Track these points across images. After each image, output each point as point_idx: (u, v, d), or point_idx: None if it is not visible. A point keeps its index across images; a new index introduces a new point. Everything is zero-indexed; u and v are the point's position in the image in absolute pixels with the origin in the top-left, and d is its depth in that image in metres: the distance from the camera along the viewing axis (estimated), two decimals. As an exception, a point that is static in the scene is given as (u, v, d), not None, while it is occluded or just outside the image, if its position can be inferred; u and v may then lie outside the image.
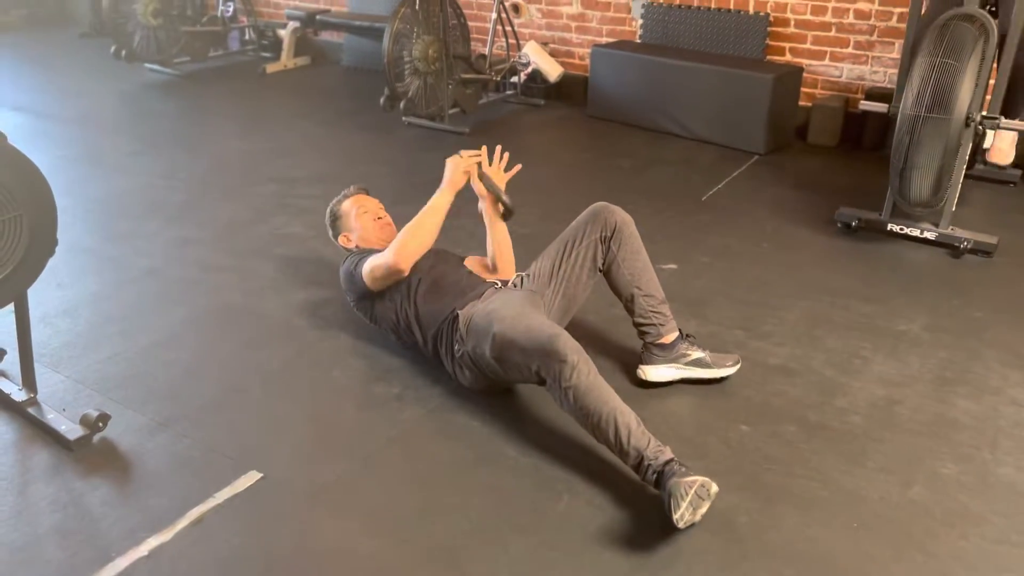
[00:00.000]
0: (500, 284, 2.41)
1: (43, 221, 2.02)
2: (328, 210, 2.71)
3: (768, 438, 2.15)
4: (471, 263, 2.64)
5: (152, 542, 1.81)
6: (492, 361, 2.14)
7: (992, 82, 3.14)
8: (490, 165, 2.58)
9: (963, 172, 3.19)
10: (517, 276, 2.45)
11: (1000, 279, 3.00)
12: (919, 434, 2.17)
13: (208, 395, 2.32)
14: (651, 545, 1.80)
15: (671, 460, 1.85)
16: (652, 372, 2.37)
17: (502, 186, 2.57)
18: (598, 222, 2.36)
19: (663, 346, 2.36)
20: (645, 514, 1.88)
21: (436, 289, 2.37)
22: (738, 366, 2.40)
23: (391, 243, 2.41)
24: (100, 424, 2.12)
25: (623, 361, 2.50)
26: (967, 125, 2.98)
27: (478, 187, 2.56)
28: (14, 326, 2.19)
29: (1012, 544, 1.81)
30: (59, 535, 1.83)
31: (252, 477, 2.00)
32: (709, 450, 2.10)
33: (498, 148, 2.62)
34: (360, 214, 2.63)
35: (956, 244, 3.15)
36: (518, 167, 2.64)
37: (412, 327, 2.38)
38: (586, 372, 1.95)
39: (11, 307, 2.14)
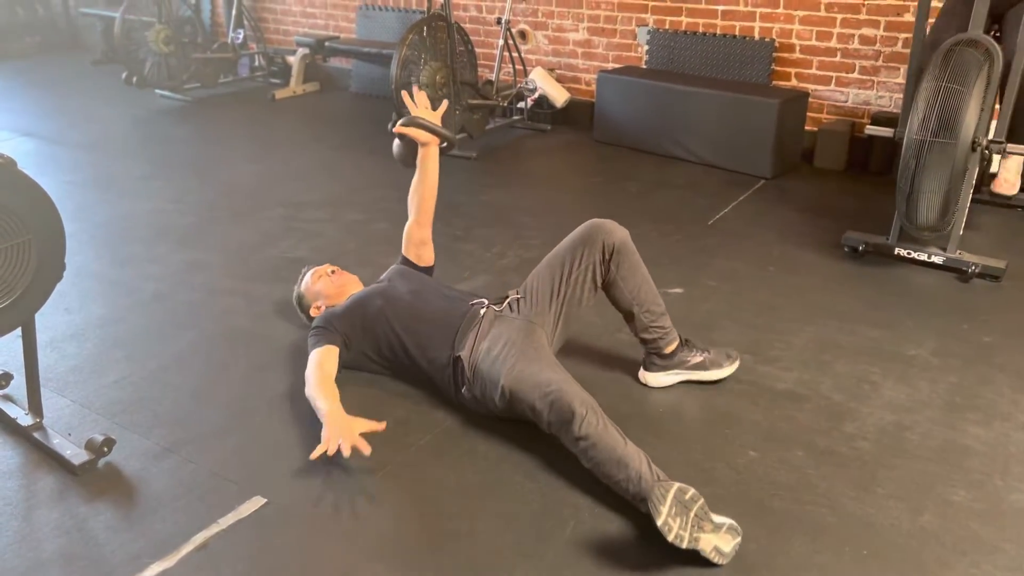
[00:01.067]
0: (486, 303, 2.37)
1: (51, 246, 2.03)
2: (294, 299, 2.72)
3: (776, 464, 2.13)
4: (412, 249, 2.69)
5: (156, 568, 1.80)
6: (502, 407, 2.16)
7: (998, 107, 3.15)
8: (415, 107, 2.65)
9: (970, 196, 3.18)
10: (513, 298, 2.40)
11: (1009, 303, 2.98)
12: (929, 460, 2.15)
13: (214, 420, 2.32)
14: (658, 572, 1.78)
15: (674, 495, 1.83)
16: (652, 379, 2.45)
17: (437, 121, 2.63)
18: (596, 242, 2.34)
19: (665, 355, 2.42)
20: (652, 542, 1.85)
21: (420, 322, 2.35)
22: (737, 363, 2.49)
23: (313, 361, 2.32)
24: (105, 449, 2.12)
25: (625, 369, 2.54)
26: (973, 149, 2.98)
27: (416, 134, 2.60)
28: (21, 351, 2.20)
29: (1025, 573, 1.79)
30: (63, 560, 1.82)
31: (256, 503, 1.99)
32: (717, 476, 2.08)
33: (414, 88, 2.69)
34: (316, 280, 2.65)
35: (964, 268, 3.14)
36: (445, 103, 2.72)
37: (405, 365, 2.39)
38: (595, 423, 1.94)
39: (18, 332, 2.15)
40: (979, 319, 2.86)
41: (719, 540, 1.75)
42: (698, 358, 2.44)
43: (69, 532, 1.90)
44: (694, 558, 1.78)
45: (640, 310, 2.37)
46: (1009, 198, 3.75)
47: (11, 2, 7.71)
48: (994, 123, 3.15)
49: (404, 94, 2.67)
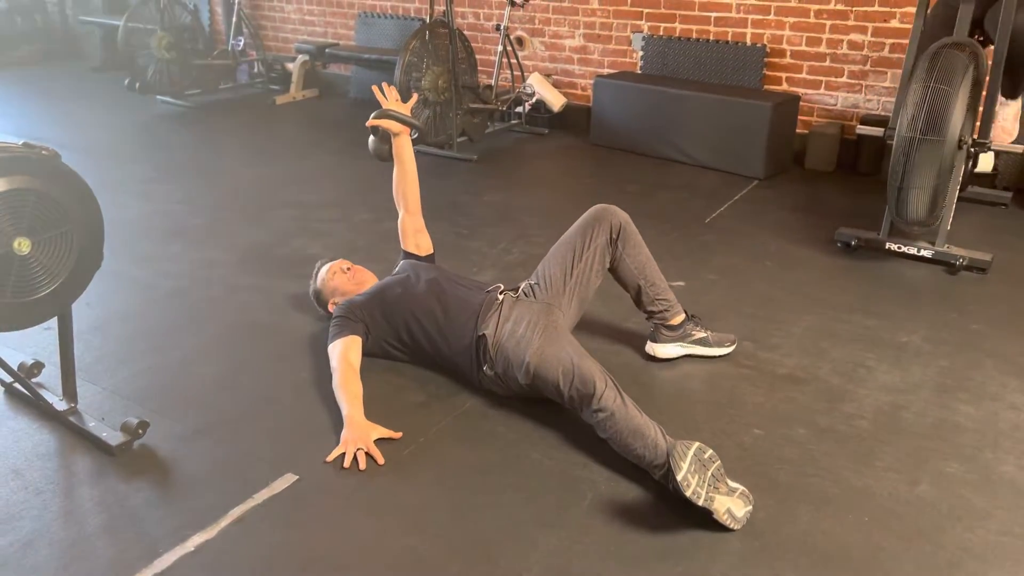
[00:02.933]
0: (502, 287, 2.49)
1: (91, 236, 2.13)
2: (311, 294, 2.83)
3: (780, 441, 2.25)
4: (410, 240, 2.80)
5: (197, 539, 1.89)
6: (524, 385, 2.27)
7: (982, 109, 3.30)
8: (386, 99, 2.78)
9: (957, 192, 3.33)
10: (527, 284, 2.52)
11: (995, 294, 3.12)
12: (924, 437, 2.27)
13: (241, 405, 2.41)
14: (674, 539, 1.89)
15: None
16: (660, 350, 2.62)
17: (407, 112, 2.77)
18: (603, 226, 2.51)
19: (672, 327, 2.60)
20: (667, 511, 1.97)
21: (440, 307, 2.44)
22: (734, 346, 2.67)
23: (337, 353, 2.42)
24: (140, 431, 2.21)
25: (633, 356, 2.68)
26: (960, 147, 3.13)
27: (389, 125, 2.75)
28: (48, 341, 2.28)
29: (1015, 536, 1.91)
30: (107, 533, 1.91)
31: (288, 479, 2.09)
32: (725, 453, 2.19)
33: (384, 85, 2.82)
34: (332, 276, 2.75)
35: (952, 261, 3.28)
36: (415, 96, 2.89)
37: (424, 349, 2.48)
38: (613, 397, 2.07)
39: (47, 323, 2.22)
40: (967, 308, 3.00)
41: (732, 503, 1.87)
42: (701, 333, 2.62)
43: (111, 508, 1.99)
44: (707, 525, 1.90)
45: (646, 284, 2.55)
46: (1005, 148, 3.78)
47: (10, 11, 7.78)
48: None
49: (375, 88, 2.81)
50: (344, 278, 2.74)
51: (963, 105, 3.07)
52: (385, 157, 2.83)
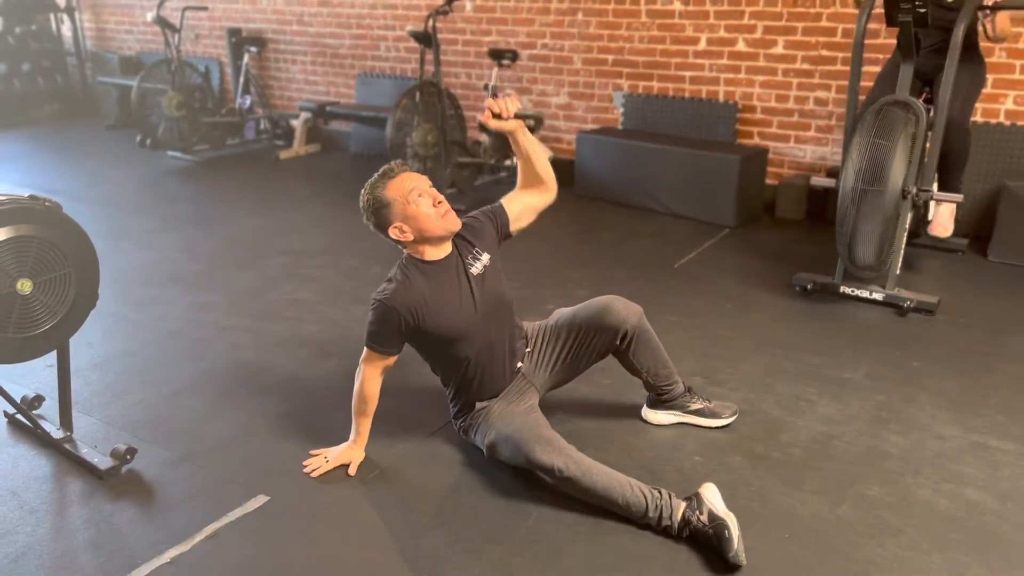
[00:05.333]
0: (519, 366, 2.50)
1: (87, 278, 2.37)
2: (367, 197, 2.26)
3: (717, 467, 2.43)
4: (528, 216, 2.49)
5: (172, 552, 2.08)
6: (487, 456, 2.40)
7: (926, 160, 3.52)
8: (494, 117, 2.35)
9: (904, 238, 3.53)
10: (529, 349, 2.53)
11: (939, 334, 3.30)
12: (852, 463, 2.44)
13: (223, 435, 2.62)
14: (607, 552, 2.07)
15: (684, 508, 2.11)
16: (653, 416, 2.66)
17: (516, 106, 2.36)
18: (608, 329, 2.44)
19: (667, 400, 2.61)
20: (604, 530, 2.15)
21: (484, 373, 2.42)
22: (735, 416, 2.65)
23: (362, 370, 2.38)
24: (128, 457, 2.42)
25: (592, 391, 2.82)
26: (904, 197, 3.35)
27: (500, 126, 2.31)
28: (49, 376, 2.50)
29: (922, 551, 2.07)
30: (93, 547, 2.11)
31: (260, 500, 2.28)
32: (664, 476, 2.38)
33: (488, 101, 2.35)
34: (415, 199, 2.22)
35: (901, 304, 3.46)
36: (514, 96, 2.38)
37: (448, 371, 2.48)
38: (564, 467, 2.15)
39: (49, 359, 2.46)
40: (910, 347, 3.18)
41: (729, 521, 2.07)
42: (699, 405, 2.62)
43: (97, 525, 2.19)
44: (638, 543, 2.08)
45: (648, 375, 2.55)
46: (944, 240, 4.08)
47: (32, 72, 8.20)
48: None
49: (488, 100, 2.39)
50: (433, 214, 2.23)
51: (903, 158, 3.30)
52: (506, 153, 2.69)
